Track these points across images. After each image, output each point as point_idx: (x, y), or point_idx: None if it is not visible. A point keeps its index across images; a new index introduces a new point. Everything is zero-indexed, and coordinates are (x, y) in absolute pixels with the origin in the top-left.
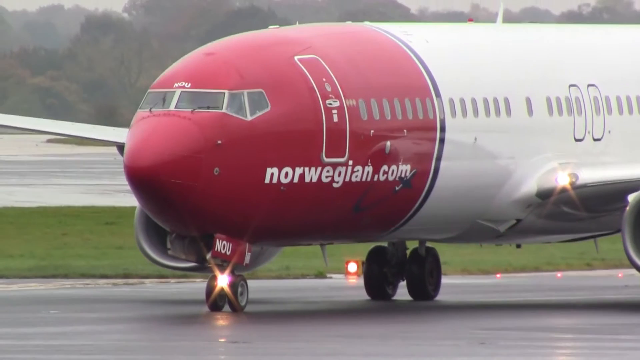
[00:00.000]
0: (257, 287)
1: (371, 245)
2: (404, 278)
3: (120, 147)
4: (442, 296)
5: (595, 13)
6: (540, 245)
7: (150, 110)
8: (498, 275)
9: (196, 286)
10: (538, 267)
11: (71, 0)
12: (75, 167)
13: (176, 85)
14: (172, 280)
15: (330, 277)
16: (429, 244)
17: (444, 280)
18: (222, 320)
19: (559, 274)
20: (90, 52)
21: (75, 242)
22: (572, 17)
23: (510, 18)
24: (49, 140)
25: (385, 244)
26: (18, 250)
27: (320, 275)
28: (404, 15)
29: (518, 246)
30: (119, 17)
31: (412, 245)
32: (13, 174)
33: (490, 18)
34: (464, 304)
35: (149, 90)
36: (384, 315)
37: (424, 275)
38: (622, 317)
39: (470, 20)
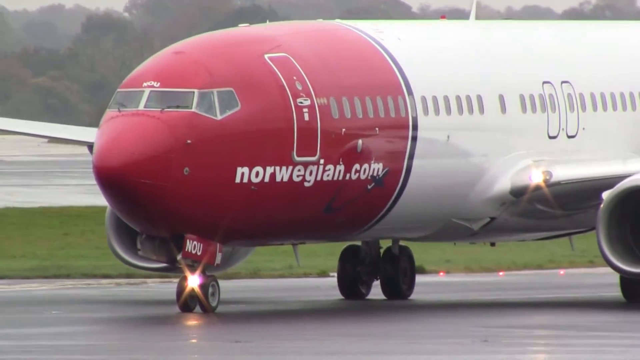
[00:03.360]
0: (261, 286)
1: (344, 245)
2: (378, 277)
3: (91, 146)
4: (444, 294)
5: (597, 10)
6: (542, 242)
7: (119, 110)
8: (501, 273)
9: None
10: (541, 265)
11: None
12: (77, 167)
13: (145, 84)
14: (175, 280)
15: (333, 276)
16: (403, 243)
17: (448, 278)
18: (217, 320)
19: (561, 272)
20: (92, 52)
21: (77, 242)
22: (574, 15)
23: (512, 15)
24: (51, 141)
25: (358, 243)
26: (20, 251)
27: (324, 274)
28: (405, 13)
29: (492, 244)
30: (120, 16)
31: (386, 244)
32: (14, 174)
33: (493, 16)
34: (466, 302)
35: (117, 90)
36: (385, 313)
37: (397, 275)
38: (625, 315)
39: (443, 17)
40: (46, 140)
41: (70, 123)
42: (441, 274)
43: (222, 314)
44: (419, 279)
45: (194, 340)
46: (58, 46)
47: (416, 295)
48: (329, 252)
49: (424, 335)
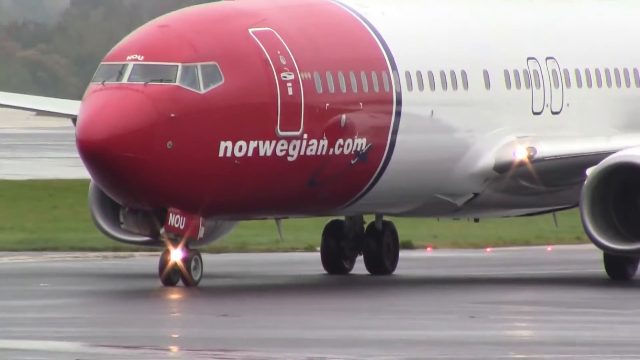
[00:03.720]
0: (248, 260)
1: (328, 219)
2: (361, 252)
3: (74, 119)
4: (432, 270)
5: None
6: (530, 218)
7: (102, 83)
8: (488, 249)
9: None
10: (528, 241)
11: None
12: (66, 140)
13: (129, 58)
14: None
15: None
16: (387, 218)
17: (435, 253)
18: (201, 294)
19: (549, 248)
20: (80, 26)
21: (65, 215)
22: None
23: None
24: (39, 114)
25: (342, 218)
26: (8, 223)
27: (311, 248)
28: None
29: (476, 220)
30: None
31: (370, 219)
32: (3, 147)
33: None
34: (454, 277)
35: (101, 63)
36: (372, 289)
37: (381, 250)
38: (612, 292)
39: None
40: (34, 113)
41: (58, 96)
42: (428, 249)
43: (209, 287)
44: (407, 254)
45: (178, 314)
46: (47, 20)
47: (403, 270)
48: (317, 227)
49: (410, 311)
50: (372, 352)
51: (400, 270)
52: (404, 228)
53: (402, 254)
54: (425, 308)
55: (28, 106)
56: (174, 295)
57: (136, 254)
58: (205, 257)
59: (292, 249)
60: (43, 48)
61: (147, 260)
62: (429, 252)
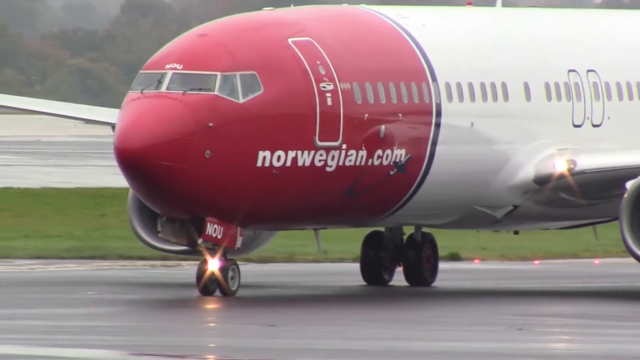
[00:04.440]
0: (295, 270)
1: (368, 230)
2: (401, 263)
3: (114, 127)
4: (479, 282)
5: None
6: (578, 231)
7: (141, 92)
8: (536, 262)
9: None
10: (576, 254)
11: None
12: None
13: (168, 66)
14: None
15: None
16: (426, 230)
17: (483, 265)
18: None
19: (597, 261)
20: (130, 34)
21: (112, 224)
22: (613, 4)
23: (551, 4)
24: (88, 122)
25: (382, 228)
26: (56, 231)
27: (358, 259)
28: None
29: (516, 232)
30: None
31: (409, 230)
32: (52, 154)
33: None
34: (501, 290)
35: (140, 71)
36: (419, 300)
37: (420, 261)
38: None
39: (469, 3)
40: (83, 121)
41: (107, 104)
42: (476, 261)
43: (256, 297)
44: (454, 265)
45: (224, 324)
46: (96, 27)
47: (450, 282)
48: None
49: (457, 322)
50: None
51: (448, 281)
52: (451, 240)
53: (450, 265)
54: (471, 320)
55: (76, 115)
56: (219, 304)
57: (184, 262)
58: (253, 267)
59: (340, 259)
60: (92, 56)
61: (195, 270)
62: (476, 264)
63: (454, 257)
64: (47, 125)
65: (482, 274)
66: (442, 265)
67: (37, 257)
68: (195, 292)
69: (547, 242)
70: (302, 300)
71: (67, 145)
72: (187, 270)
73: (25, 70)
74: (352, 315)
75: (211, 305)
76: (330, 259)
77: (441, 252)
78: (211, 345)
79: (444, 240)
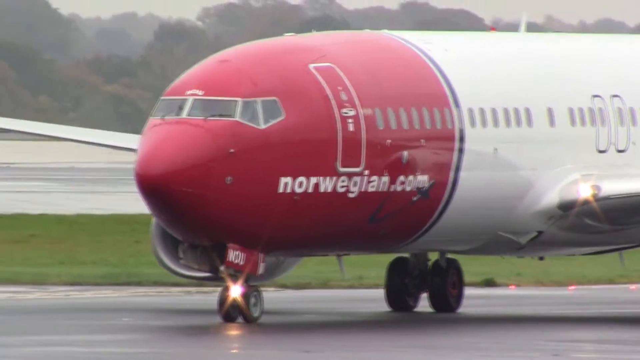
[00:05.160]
0: (330, 296)
1: (392, 257)
2: (426, 290)
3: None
4: (514, 308)
5: None
6: (613, 256)
7: (162, 118)
8: (571, 287)
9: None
10: (612, 280)
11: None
12: None
13: (189, 92)
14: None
15: None
16: (451, 256)
17: (518, 291)
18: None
19: (632, 287)
20: (164, 60)
21: (147, 250)
22: None
23: (584, 29)
24: (117, 149)
25: (406, 255)
26: (91, 258)
27: None
28: (478, 26)
29: (541, 258)
30: (193, 25)
31: (434, 256)
32: (85, 181)
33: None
34: (537, 315)
35: (161, 97)
36: (452, 326)
37: (445, 287)
38: None
39: (493, 29)
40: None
41: (141, 131)
42: (512, 287)
43: (292, 323)
44: (490, 291)
45: (258, 350)
46: (130, 54)
47: (486, 308)
48: None
49: (494, 349)
50: None
51: (483, 307)
52: (487, 265)
53: (485, 291)
54: (506, 346)
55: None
56: (250, 330)
57: (219, 289)
58: (288, 293)
59: (375, 285)
60: (126, 82)
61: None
62: (512, 290)
63: (490, 283)
64: (82, 151)
65: (518, 299)
66: (477, 292)
67: (73, 284)
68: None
69: (583, 268)
70: (337, 327)
71: (101, 171)
72: None
73: (59, 97)
74: (388, 341)
75: (242, 331)
76: (366, 285)
77: (476, 278)
78: None
79: (479, 266)
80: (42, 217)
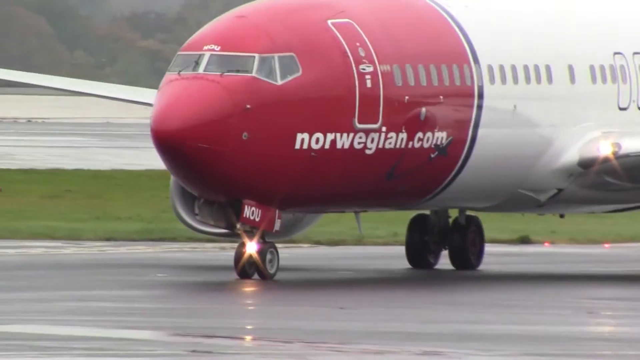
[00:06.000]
0: (366, 253)
1: (413, 214)
2: (446, 247)
3: None
4: (548, 265)
5: None
6: None
7: (178, 73)
8: (606, 245)
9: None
10: None
11: None
12: None
13: (205, 48)
14: (280, 245)
15: None
16: (472, 213)
17: (553, 249)
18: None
19: None
20: (200, 15)
21: None
22: None
23: None
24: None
25: (427, 212)
26: (126, 213)
27: None
28: None
29: (561, 216)
30: None
31: (455, 214)
32: (122, 137)
33: None
34: (571, 273)
35: (178, 53)
36: (485, 283)
37: (466, 244)
38: None
39: None
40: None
41: None
42: (546, 244)
43: (326, 280)
44: (524, 249)
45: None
46: (166, 10)
47: (521, 265)
48: None
49: (526, 306)
50: (487, 346)
51: (517, 265)
52: (521, 223)
53: (520, 248)
54: (540, 303)
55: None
56: (284, 287)
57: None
58: (323, 249)
59: None
60: (162, 38)
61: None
62: (546, 247)
63: (524, 241)
64: (117, 107)
65: (552, 257)
66: (512, 249)
67: (107, 239)
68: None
69: (618, 226)
70: (374, 283)
71: (137, 127)
72: None
73: (95, 53)
74: (424, 298)
75: (278, 287)
76: (400, 242)
77: (511, 236)
78: (284, 327)
79: (514, 223)
80: (78, 172)
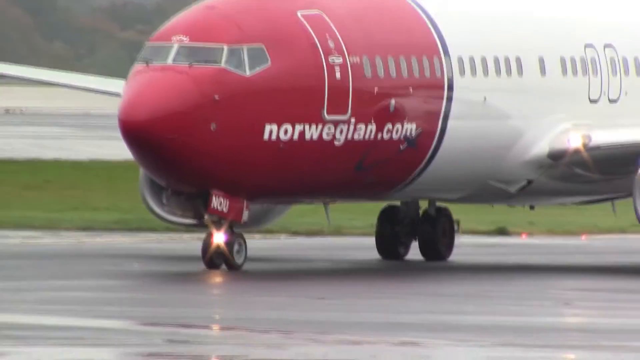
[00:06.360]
0: (344, 244)
1: (383, 205)
2: (416, 238)
3: None
4: (523, 256)
5: None
6: (626, 207)
7: (147, 64)
8: (583, 237)
9: (282, 242)
10: (624, 229)
11: None
12: None
13: (174, 38)
14: (257, 236)
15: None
16: (442, 204)
17: (531, 240)
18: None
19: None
20: (179, 6)
21: None
22: None
23: None
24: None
25: (397, 203)
26: (104, 203)
27: None
28: None
29: (531, 208)
30: None
31: (426, 205)
32: (98, 127)
33: None
34: (549, 265)
35: (146, 43)
36: (464, 275)
37: (436, 236)
38: None
39: None
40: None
41: None
42: (523, 236)
43: (304, 270)
44: (502, 240)
45: (271, 297)
46: (145, 0)
47: (498, 256)
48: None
49: (505, 297)
50: (465, 337)
51: (494, 256)
52: (499, 214)
53: (497, 240)
54: (519, 294)
55: (77, 84)
56: (260, 278)
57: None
58: (301, 240)
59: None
60: (141, 29)
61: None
62: (524, 239)
63: (502, 232)
64: (96, 97)
65: (529, 248)
66: (489, 240)
67: (85, 229)
68: (251, 264)
69: (595, 218)
70: (351, 274)
71: (115, 118)
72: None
73: (74, 44)
74: (403, 288)
75: (253, 279)
76: None
77: (488, 227)
78: (263, 317)
79: (491, 214)
80: (56, 162)
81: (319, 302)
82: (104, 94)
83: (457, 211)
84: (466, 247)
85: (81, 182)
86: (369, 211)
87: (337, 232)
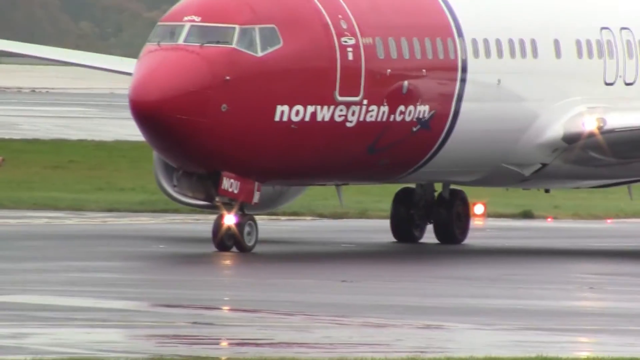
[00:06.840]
0: (369, 226)
1: (398, 187)
2: (431, 221)
3: None
4: (548, 240)
5: None
6: None
7: (158, 44)
8: (608, 221)
9: (305, 224)
10: None
11: None
12: None
13: (186, 18)
14: (283, 218)
15: None
16: (457, 187)
17: (555, 224)
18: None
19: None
20: None
21: None
22: None
23: None
24: None
25: (413, 185)
26: (129, 184)
27: None
28: None
29: (546, 191)
30: None
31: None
32: (125, 107)
33: None
34: (573, 249)
35: (158, 23)
36: (490, 258)
37: (451, 219)
38: None
39: None
40: None
41: None
42: (549, 219)
43: (329, 253)
44: (527, 224)
45: (296, 279)
46: None
47: (521, 240)
48: None
49: (529, 280)
50: (489, 320)
51: (521, 239)
52: (524, 198)
53: (522, 223)
54: (543, 278)
55: (84, 63)
56: (285, 260)
57: (257, 217)
58: (326, 222)
59: None
60: (167, 8)
61: (268, 225)
62: (549, 222)
63: (527, 215)
64: (122, 78)
65: (555, 232)
66: (515, 223)
67: (110, 210)
68: (270, 247)
69: (620, 201)
70: (377, 256)
71: None
72: (260, 225)
73: (101, 23)
74: (428, 272)
75: (277, 261)
76: None
77: (514, 210)
78: (287, 300)
79: (517, 198)
80: (81, 143)
81: (343, 285)
82: (128, 75)
83: (482, 194)
84: (491, 230)
85: (106, 162)
86: (393, 194)
87: (362, 214)
